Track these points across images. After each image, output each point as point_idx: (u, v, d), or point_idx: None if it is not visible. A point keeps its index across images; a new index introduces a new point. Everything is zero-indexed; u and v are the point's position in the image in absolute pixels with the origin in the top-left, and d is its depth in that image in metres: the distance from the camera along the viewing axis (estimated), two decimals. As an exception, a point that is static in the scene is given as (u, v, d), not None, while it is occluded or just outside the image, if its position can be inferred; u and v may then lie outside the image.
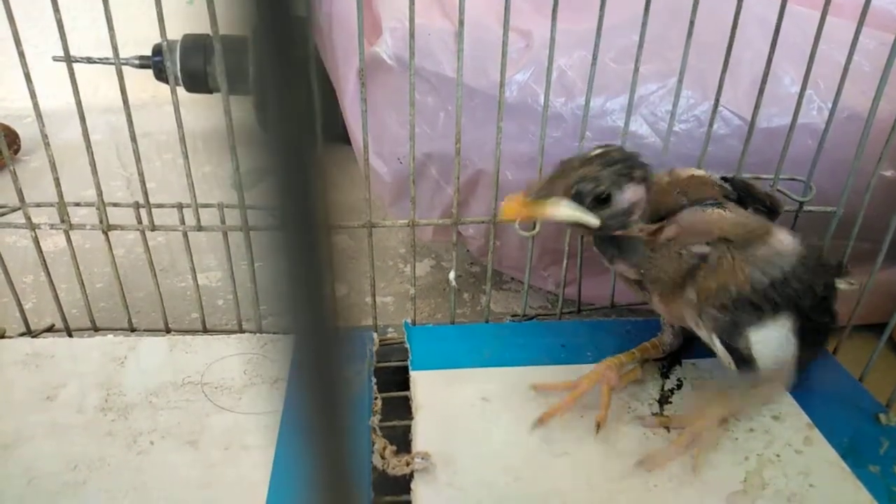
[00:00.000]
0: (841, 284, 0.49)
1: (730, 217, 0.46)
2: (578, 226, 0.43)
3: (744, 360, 0.45)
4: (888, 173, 0.59)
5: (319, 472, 0.15)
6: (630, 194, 0.42)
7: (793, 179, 0.56)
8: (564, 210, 0.42)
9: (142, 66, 1.02)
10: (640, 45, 0.51)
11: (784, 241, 0.45)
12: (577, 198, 0.42)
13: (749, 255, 0.44)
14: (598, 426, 0.47)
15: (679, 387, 0.52)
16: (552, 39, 0.50)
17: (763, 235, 0.45)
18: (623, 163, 0.42)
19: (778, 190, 0.56)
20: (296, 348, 0.13)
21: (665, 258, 0.46)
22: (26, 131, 1.07)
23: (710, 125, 0.54)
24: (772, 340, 0.44)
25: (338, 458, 0.14)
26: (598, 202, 0.42)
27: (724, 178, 0.50)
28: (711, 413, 0.47)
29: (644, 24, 0.50)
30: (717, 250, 0.45)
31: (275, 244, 0.13)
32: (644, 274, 0.47)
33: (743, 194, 0.50)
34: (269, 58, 0.12)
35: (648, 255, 0.46)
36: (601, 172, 0.42)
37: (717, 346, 0.45)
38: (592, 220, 0.42)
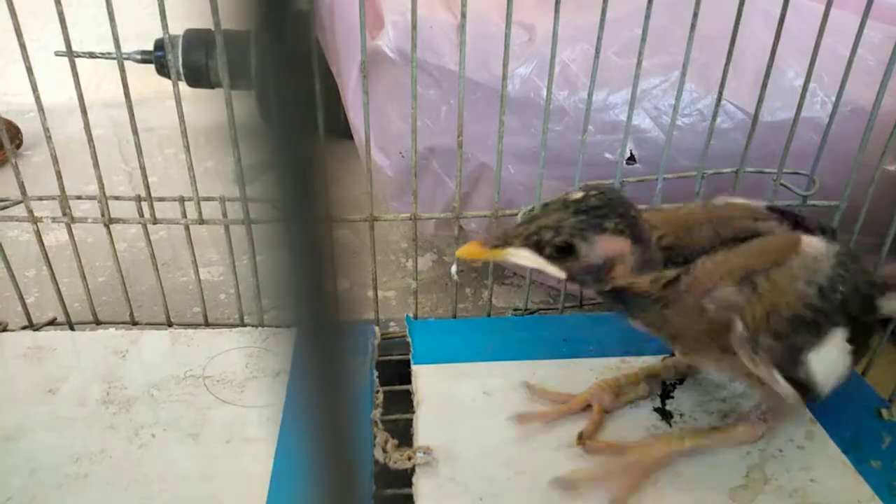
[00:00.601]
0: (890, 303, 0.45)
1: (743, 249, 0.41)
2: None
3: (802, 388, 0.41)
4: (892, 167, 0.59)
5: (322, 465, 0.14)
6: (602, 247, 0.38)
7: (796, 173, 0.56)
8: (524, 258, 0.39)
9: (143, 61, 1.02)
10: (643, 39, 0.51)
11: (814, 244, 0.41)
12: (537, 247, 0.38)
13: (787, 270, 0.40)
14: (580, 438, 0.45)
15: (681, 381, 0.52)
16: (555, 33, 0.50)
17: (790, 248, 0.41)
18: (595, 211, 0.38)
19: (781, 184, 0.55)
20: (298, 342, 0.13)
21: (684, 313, 0.40)
22: (28, 126, 1.07)
23: (714, 119, 0.54)
24: (830, 358, 0.41)
25: (341, 452, 0.14)
26: (560, 253, 0.38)
27: (771, 209, 0.45)
28: (661, 449, 0.44)
29: (647, 18, 0.50)
30: (746, 287, 0.39)
31: (277, 237, 0.13)
32: (661, 331, 0.42)
33: (793, 226, 0.44)
34: (271, 50, 0.11)
35: (662, 312, 0.40)
36: (566, 221, 0.38)
37: (781, 383, 0.40)
38: (556, 271, 0.39)
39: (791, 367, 0.40)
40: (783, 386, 0.40)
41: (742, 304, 0.39)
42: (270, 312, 0.72)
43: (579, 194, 0.39)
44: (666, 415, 0.49)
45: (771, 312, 0.39)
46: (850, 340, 0.42)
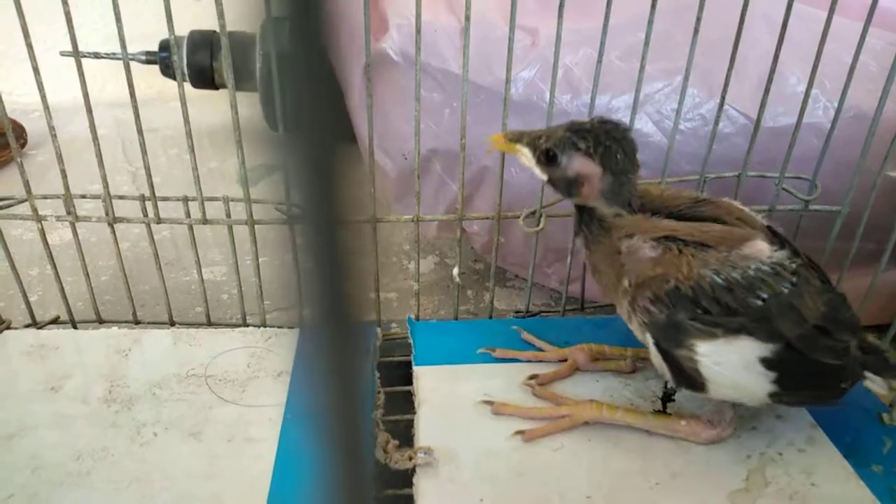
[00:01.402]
0: (877, 388, 0.44)
1: (693, 224, 0.44)
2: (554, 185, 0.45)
3: (684, 375, 0.42)
4: (894, 173, 0.59)
5: (336, 464, 0.15)
6: (577, 164, 0.44)
7: (798, 178, 0.56)
8: (521, 154, 0.45)
9: (148, 62, 1.03)
10: (646, 44, 0.51)
11: (758, 245, 0.42)
12: (533, 149, 0.45)
13: (704, 254, 0.41)
14: (533, 378, 0.51)
15: (682, 385, 0.52)
16: (558, 37, 0.50)
17: (731, 241, 0.42)
18: (580, 133, 0.43)
19: (783, 188, 0.56)
20: (315, 341, 0.13)
21: (607, 251, 0.45)
22: (33, 126, 1.08)
23: (716, 123, 0.54)
24: (729, 361, 0.41)
25: (353, 449, 0.15)
26: (546, 158, 0.44)
27: (769, 228, 0.46)
28: (591, 412, 0.47)
29: (650, 23, 0.50)
30: (661, 246, 0.42)
31: (298, 239, 0.13)
32: (590, 257, 0.47)
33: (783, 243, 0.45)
34: (299, 56, 0.12)
35: (598, 237, 0.45)
36: (557, 134, 0.44)
37: (651, 350, 0.42)
38: (539, 172, 0.45)
39: (672, 343, 0.42)
40: (654, 356, 0.43)
41: (648, 258, 0.43)
42: (273, 313, 0.72)
43: (599, 119, 0.45)
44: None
45: (657, 277, 0.41)
46: (772, 365, 0.41)
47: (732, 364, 0.41)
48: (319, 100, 0.12)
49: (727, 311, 0.41)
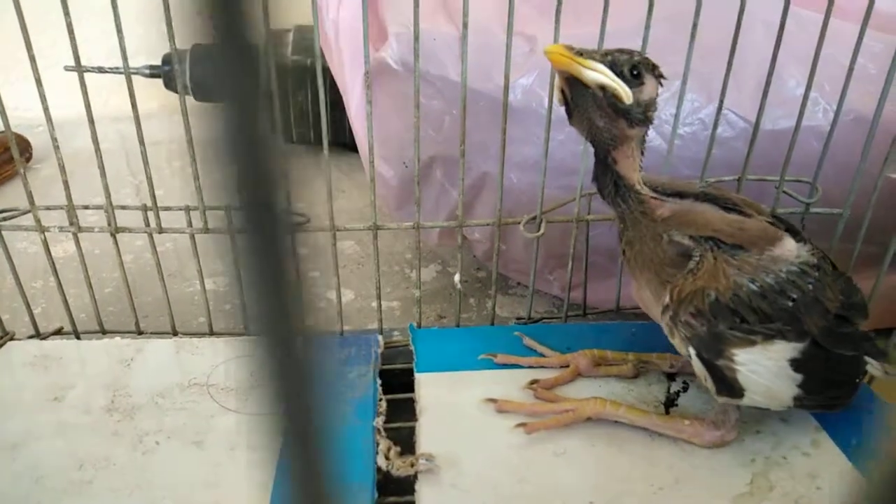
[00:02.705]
0: (874, 370, 0.45)
1: (729, 217, 0.44)
2: (603, 114, 0.41)
3: (725, 383, 0.42)
4: (895, 175, 0.59)
5: (295, 475, 0.14)
6: (651, 87, 0.42)
7: (798, 181, 0.56)
8: (601, 73, 0.40)
9: (152, 76, 1.04)
10: (643, 50, 0.51)
11: (787, 245, 0.43)
12: (613, 67, 0.40)
13: (738, 259, 0.42)
14: (535, 383, 0.50)
15: (685, 389, 0.52)
16: (555, 43, 0.50)
17: (765, 242, 0.43)
18: (647, 58, 0.42)
19: (784, 192, 0.56)
20: (261, 352, 0.13)
21: (648, 236, 0.44)
22: (38, 140, 1.09)
23: (714, 128, 0.54)
24: (765, 368, 0.41)
25: (310, 459, 0.14)
26: (633, 74, 0.41)
27: (773, 215, 0.47)
28: (594, 408, 0.47)
29: (647, 28, 0.50)
30: (699, 247, 0.42)
31: (236, 244, 0.12)
32: (624, 231, 0.45)
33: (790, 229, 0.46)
34: (220, 43, 0.11)
35: (636, 217, 0.44)
36: (634, 53, 0.42)
37: (694, 361, 0.42)
38: (626, 89, 0.40)
39: (713, 354, 0.41)
40: (697, 367, 0.42)
41: (686, 251, 0.42)
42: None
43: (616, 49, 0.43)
44: (669, 422, 0.48)
45: (697, 291, 0.41)
46: (798, 366, 0.42)
47: (767, 371, 0.42)
48: (243, 82, 0.11)
49: (763, 318, 0.41)
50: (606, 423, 0.48)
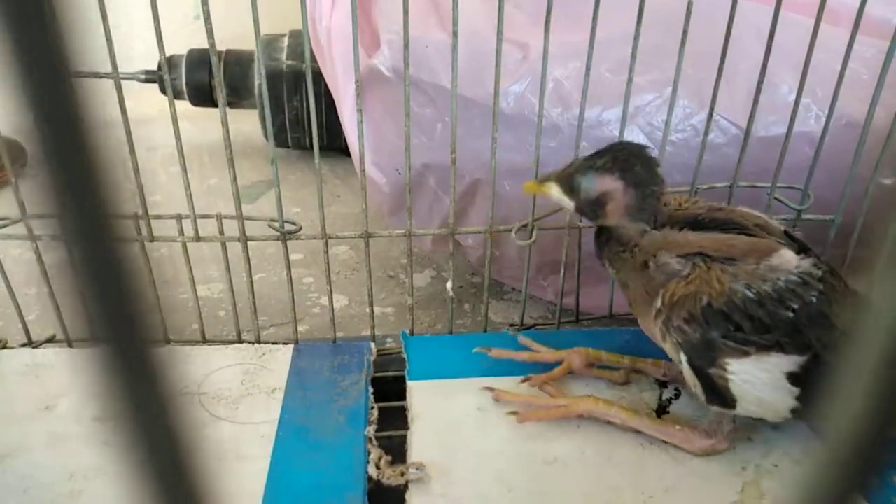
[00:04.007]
0: None
1: (716, 236, 0.44)
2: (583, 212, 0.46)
3: (716, 392, 0.42)
4: (887, 181, 0.59)
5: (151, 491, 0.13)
6: (597, 184, 0.44)
7: (790, 188, 0.56)
8: (551, 191, 0.47)
9: (148, 81, 1.04)
10: (634, 56, 0.51)
11: (785, 256, 0.42)
12: (559, 182, 0.46)
13: (733, 267, 0.42)
14: (527, 381, 0.52)
15: (677, 396, 0.52)
16: (545, 51, 0.50)
17: (757, 254, 0.42)
18: (597, 155, 0.45)
19: (775, 198, 0.55)
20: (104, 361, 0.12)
21: (635, 267, 0.45)
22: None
23: (706, 134, 0.54)
24: (758, 379, 0.41)
25: (165, 473, 0.13)
26: (571, 187, 0.46)
27: (786, 233, 0.47)
28: (587, 405, 0.48)
29: (637, 35, 0.50)
30: (689, 262, 0.43)
31: (67, 253, 0.12)
32: (618, 275, 0.47)
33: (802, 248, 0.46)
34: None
35: (619, 255, 0.46)
36: (578, 162, 0.46)
37: (684, 367, 0.42)
38: (567, 202, 0.46)
39: (705, 362, 0.42)
40: (687, 373, 0.43)
41: (677, 273, 0.43)
42: (270, 329, 0.72)
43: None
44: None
45: (690, 296, 0.41)
46: (797, 380, 0.41)
47: (761, 382, 0.41)
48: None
49: (760, 328, 0.41)
50: (597, 431, 0.48)
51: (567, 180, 0.46)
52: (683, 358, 0.42)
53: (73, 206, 0.11)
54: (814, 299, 0.41)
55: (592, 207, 0.45)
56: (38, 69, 0.10)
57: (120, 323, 0.12)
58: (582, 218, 0.48)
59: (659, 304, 0.43)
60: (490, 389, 0.50)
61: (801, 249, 0.44)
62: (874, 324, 0.11)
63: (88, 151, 0.11)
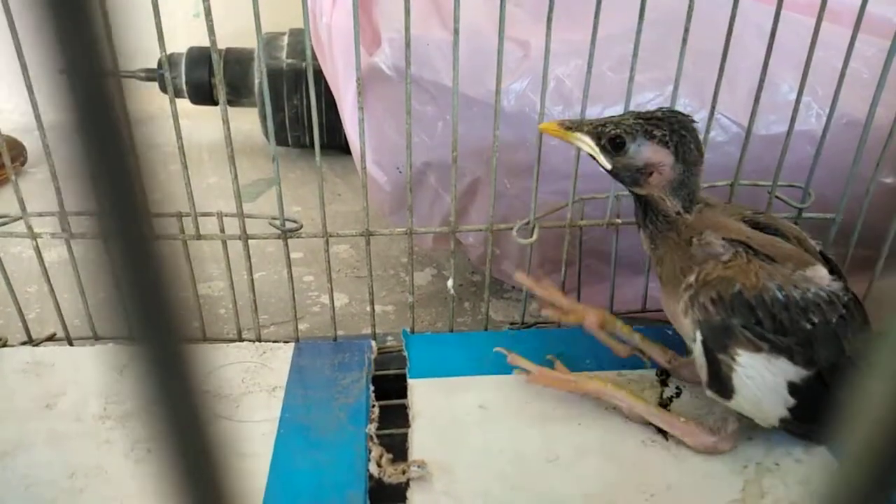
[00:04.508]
0: None
1: (765, 235, 0.44)
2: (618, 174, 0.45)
3: (719, 378, 0.42)
4: (888, 179, 0.59)
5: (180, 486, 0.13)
6: (647, 152, 0.43)
7: (791, 186, 0.56)
8: (582, 141, 0.45)
9: (147, 79, 1.04)
10: (635, 54, 0.51)
11: (820, 272, 0.42)
12: (596, 137, 0.44)
13: (772, 267, 0.42)
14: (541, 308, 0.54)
15: (678, 394, 0.52)
16: (547, 49, 0.50)
17: (797, 262, 0.42)
18: (652, 120, 0.43)
19: (776, 197, 0.56)
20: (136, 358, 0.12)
21: (676, 240, 0.45)
22: (34, 145, 1.09)
23: (707, 132, 0.54)
24: (762, 378, 0.41)
25: (194, 468, 0.13)
26: (614, 147, 0.44)
27: (822, 254, 0.46)
28: (597, 385, 0.48)
29: (638, 33, 0.50)
30: (731, 249, 0.43)
31: (99, 251, 0.12)
32: (654, 251, 0.46)
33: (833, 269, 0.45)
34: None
35: (664, 232, 0.45)
36: (626, 121, 0.44)
37: (697, 346, 0.42)
38: (603, 160, 0.44)
39: (718, 346, 0.42)
40: (698, 352, 0.42)
41: (718, 255, 0.43)
42: (270, 327, 0.72)
43: (654, 109, 0.45)
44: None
45: (724, 279, 0.41)
46: (795, 391, 0.41)
47: (763, 381, 0.42)
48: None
49: (779, 328, 0.41)
50: (598, 428, 0.48)
51: (609, 139, 0.44)
52: (699, 337, 0.42)
53: (113, 204, 0.11)
54: (834, 319, 0.42)
55: (632, 174, 0.44)
56: (78, 67, 0.10)
57: (156, 320, 0.12)
58: (621, 182, 0.46)
59: (692, 279, 0.43)
60: (506, 352, 0.52)
61: (833, 271, 0.45)
62: (889, 353, 0.11)
63: (128, 150, 0.11)
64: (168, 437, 0.12)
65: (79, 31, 0.10)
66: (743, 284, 0.41)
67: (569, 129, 0.45)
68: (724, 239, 0.43)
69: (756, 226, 0.45)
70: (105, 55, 0.10)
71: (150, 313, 0.12)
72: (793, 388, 0.42)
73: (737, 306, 0.41)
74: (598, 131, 0.44)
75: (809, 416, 0.43)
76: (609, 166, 0.45)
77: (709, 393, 0.44)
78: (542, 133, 0.46)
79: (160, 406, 0.12)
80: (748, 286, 0.41)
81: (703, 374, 0.43)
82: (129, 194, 0.11)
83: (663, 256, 0.46)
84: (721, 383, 0.42)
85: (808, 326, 0.41)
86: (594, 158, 0.45)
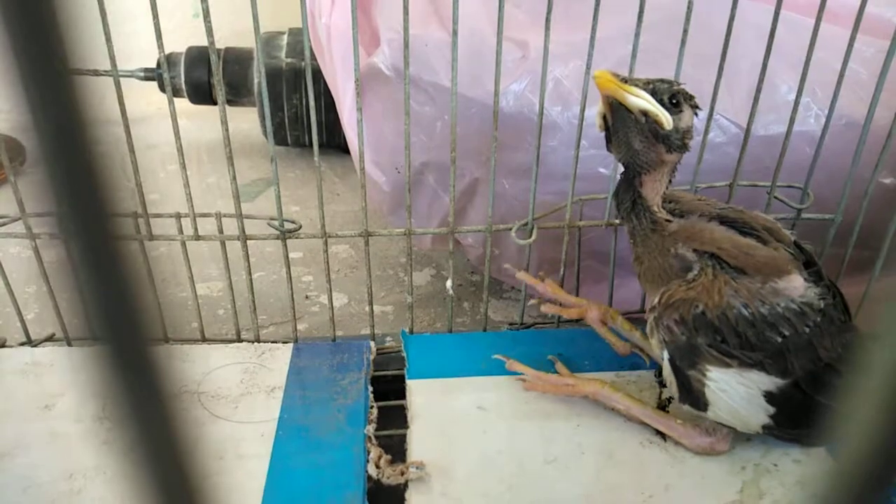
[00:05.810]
0: None
1: (740, 240, 0.43)
2: (643, 139, 0.42)
3: (691, 393, 0.42)
4: (887, 180, 0.59)
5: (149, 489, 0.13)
6: (688, 116, 0.44)
7: (790, 187, 0.56)
8: (644, 100, 0.42)
9: (146, 79, 1.03)
10: (634, 55, 0.51)
11: (793, 282, 0.41)
12: (654, 95, 0.42)
13: (738, 282, 0.41)
14: (539, 302, 0.56)
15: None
16: (546, 49, 0.50)
17: (771, 272, 0.41)
18: (676, 85, 0.44)
19: (775, 197, 0.55)
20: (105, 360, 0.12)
21: (657, 246, 0.45)
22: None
23: (706, 133, 0.54)
24: (735, 391, 0.41)
25: (163, 471, 0.13)
26: (672, 103, 0.43)
27: (797, 244, 0.46)
28: (594, 387, 0.48)
29: (637, 34, 0.50)
30: (701, 261, 0.43)
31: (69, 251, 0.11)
32: (634, 246, 0.47)
33: (810, 261, 0.45)
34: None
35: (647, 232, 0.45)
36: (676, 86, 0.44)
37: (665, 364, 0.43)
38: (667, 115, 0.42)
39: (686, 364, 0.42)
40: (667, 370, 0.43)
41: (690, 267, 0.43)
42: (269, 328, 0.72)
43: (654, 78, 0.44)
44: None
45: (686, 300, 0.41)
46: (774, 399, 0.41)
47: (738, 394, 0.42)
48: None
49: (745, 345, 0.41)
50: (596, 430, 0.48)
51: (670, 95, 0.42)
52: (666, 355, 0.43)
53: (72, 204, 0.11)
54: (807, 329, 0.41)
55: (681, 137, 0.43)
56: (37, 66, 0.10)
57: (119, 321, 0.12)
58: (666, 148, 0.43)
59: (655, 301, 0.43)
60: (504, 359, 0.52)
61: (809, 263, 0.44)
62: (883, 354, 0.11)
63: (87, 149, 0.11)
64: (135, 439, 0.12)
65: (36, 30, 0.10)
66: (706, 305, 0.41)
67: (624, 82, 0.42)
68: (694, 251, 0.43)
69: (725, 221, 0.45)
70: (64, 54, 0.10)
71: (111, 314, 0.11)
72: (770, 398, 0.42)
73: (700, 326, 0.41)
74: (652, 88, 0.42)
75: (793, 422, 0.43)
76: (670, 126, 0.42)
77: (684, 407, 0.44)
78: (596, 82, 0.41)
79: (124, 407, 0.12)
80: (710, 306, 0.41)
81: (674, 389, 0.43)
82: (88, 194, 0.11)
83: (642, 256, 0.46)
84: (694, 397, 0.43)
85: (779, 339, 0.41)
86: (653, 118, 0.42)
